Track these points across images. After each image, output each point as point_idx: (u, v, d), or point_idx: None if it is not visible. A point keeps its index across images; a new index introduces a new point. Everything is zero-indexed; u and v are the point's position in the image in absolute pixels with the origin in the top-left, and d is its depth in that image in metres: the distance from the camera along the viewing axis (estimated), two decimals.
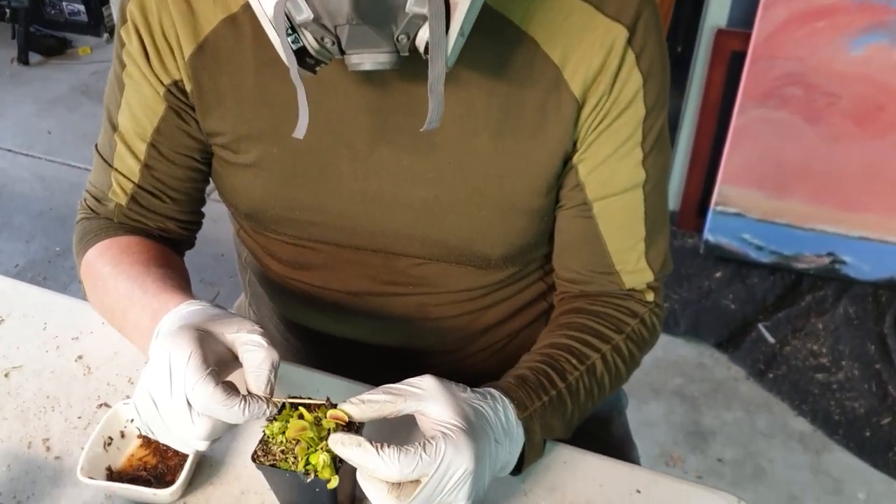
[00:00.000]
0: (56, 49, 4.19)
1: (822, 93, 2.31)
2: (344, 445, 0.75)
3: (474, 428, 0.78)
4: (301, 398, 0.85)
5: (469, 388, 0.84)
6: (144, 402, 0.80)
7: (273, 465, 0.81)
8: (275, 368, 0.81)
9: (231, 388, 0.78)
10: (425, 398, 0.79)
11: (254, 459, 0.82)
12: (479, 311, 1.13)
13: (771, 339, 2.43)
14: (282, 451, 0.82)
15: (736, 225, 2.53)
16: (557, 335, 1.00)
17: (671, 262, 1.09)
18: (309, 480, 0.80)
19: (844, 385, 2.30)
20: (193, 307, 0.87)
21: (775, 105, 2.35)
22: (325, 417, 0.79)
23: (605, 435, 1.22)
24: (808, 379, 2.32)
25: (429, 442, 0.75)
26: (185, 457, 0.91)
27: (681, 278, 2.56)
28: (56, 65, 4.10)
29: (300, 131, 0.83)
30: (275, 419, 0.82)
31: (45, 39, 4.18)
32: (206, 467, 0.95)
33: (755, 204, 2.49)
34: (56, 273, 2.75)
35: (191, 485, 0.93)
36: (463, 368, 1.19)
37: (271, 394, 0.80)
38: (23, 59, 4.06)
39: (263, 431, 0.83)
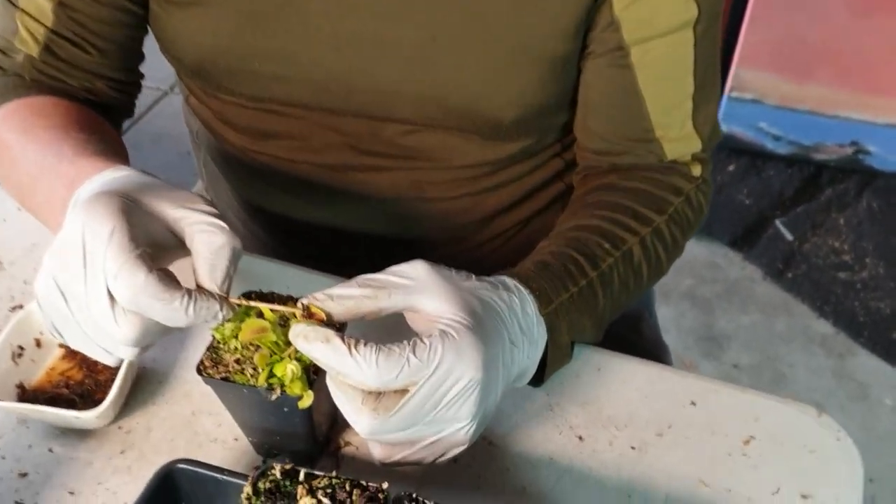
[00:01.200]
0: None
1: None
2: (307, 340, 0.57)
3: (483, 325, 0.60)
4: (265, 294, 0.66)
5: (475, 276, 0.66)
6: (49, 295, 0.59)
7: (225, 379, 0.62)
8: (236, 258, 0.61)
9: (169, 278, 0.58)
10: (416, 290, 0.61)
11: (200, 371, 0.63)
12: (485, 192, 0.94)
13: (789, 236, 2.28)
14: (236, 361, 0.63)
15: (752, 113, 2.33)
16: (584, 216, 0.81)
17: (720, 129, 0.89)
18: (274, 398, 0.61)
19: (869, 284, 2.16)
20: (122, 173, 0.66)
21: None
22: (295, 317, 0.59)
23: (636, 337, 1.04)
24: (830, 278, 2.19)
25: (421, 341, 0.57)
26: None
27: None
28: None
29: None
30: (228, 321, 0.62)
31: None
32: (147, 382, 0.77)
33: (774, 89, 2.29)
34: None
35: (127, 405, 0.75)
36: (464, 264, 1.00)
37: (228, 291, 0.60)
38: None
39: (212, 335, 0.63)
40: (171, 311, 0.57)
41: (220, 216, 0.62)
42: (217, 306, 0.58)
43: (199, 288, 0.59)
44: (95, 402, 0.71)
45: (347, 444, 0.71)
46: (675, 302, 2.13)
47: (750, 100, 2.32)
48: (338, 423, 0.72)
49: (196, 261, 0.61)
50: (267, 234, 1.03)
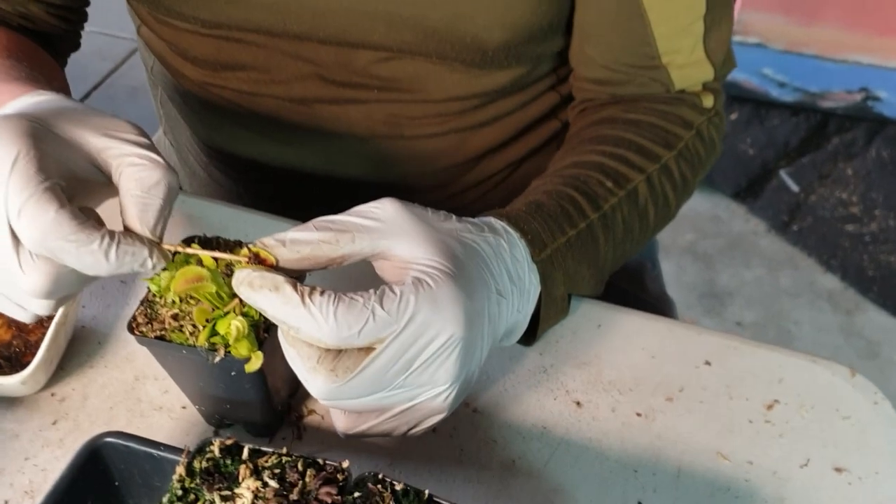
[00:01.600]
0: None
1: None
2: (252, 288, 0.48)
3: (465, 272, 0.51)
4: (208, 239, 0.56)
5: (455, 217, 0.56)
6: None
7: (161, 338, 0.53)
8: (171, 197, 0.51)
9: (87, 215, 0.49)
10: (385, 233, 0.51)
11: (131, 329, 0.54)
12: (471, 129, 0.84)
13: (794, 188, 2.20)
14: (174, 317, 0.54)
15: (756, 58, 2.23)
16: (583, 152, 0.72)
17: (734, 56, 0.80)
18: (217, 360, 0.51)
19: (878, 237, 2.09)
20: (41, 97, 0.56)
21: None
22: (242, 263, 0.50)
23: (638, 291, 0.94)
24: (837, 231, 2.11)
25: (390, 290, 0.48)
26: None
27: None
28: None
29: None
30: (164, 269, 0.53)
31: None
32: (85, 343, 0.68)
33: (779, 32, 2.19)
34: None
35: (61, 369, 0.66)
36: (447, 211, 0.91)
37: (161, 236, 0.51)
38: None
39: (148, 287, 0.54)
40: (87, 254, 0.47)
41: (153, 147, 0.53)
42: (145, 252, 0.49)
43: (127, 231, 0.50)
44: (24, 367, 0.62)
45: (311, 412, 0.62)
46: (675, 257, 2.04)
47: (754, 44, 2.22)
48: (300, 388, 0.63)
49: (124, 199, 0.51)
50: (230, 179, 0.93)
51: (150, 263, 0.49)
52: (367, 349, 0.48)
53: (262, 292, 0.47)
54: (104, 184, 0.53)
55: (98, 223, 0.49)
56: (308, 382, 0.49)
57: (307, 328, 0.47)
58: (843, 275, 2.03)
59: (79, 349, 0.67)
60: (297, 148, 0.84)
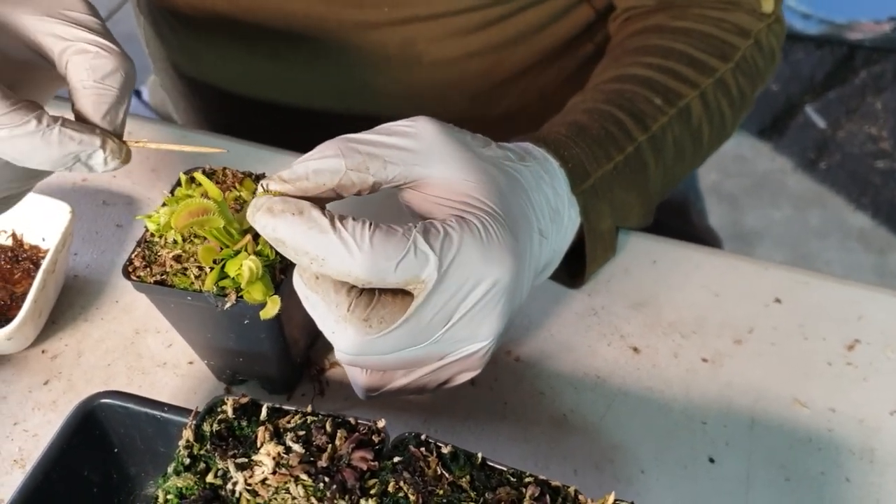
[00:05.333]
0: None
1: None
2: (272, 213, 0.40)
3: (510, 211, 0.44)
4: (213, 172, 0.50)
5: (494, 143, 0.48)
6: None
7: (161, 283, 0.45)
8: (128, 88, 0.44)
9: (21, 99, 0.41)
10: (423, 159, 0.43)
11: (127, 274, 0.46)
12: (496, 49, 0.76)
13: (821, 124, 2.12)
14: (175, 259, 0.46)
15: None
16: (626, 64, 0.65)
17: None
18: (228, 306, 0.44)
19: None
20: None
21: None
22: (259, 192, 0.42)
23: (683, 225, 0.87)
24: (867, 167, 2.02)
25: (433, 226, 0.41)
26: None
27: None
28: None
29: None
30: (164, 205, 0.46)
31: None
32: (79, 294, 0.61)
33: None
34: None
35: (52, 323, 0.59)
36: None
37: (121, 133, 0.43)
38: None
39: (145, 227, 0.47)
40: (22, 139, 0.40)
41: (106, 30, 0.44)
42: (96, 141, 0.41)
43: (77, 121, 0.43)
44: (10, 321, 0.55)
45: (333, 365, 0.55)
46: None
47: None
48: (320, 338, 0.56)
49: (74, 90, 0.43)
50: (221, 118, 0.85)
51: (101, 156, 0.42)
52: (401, 299, 0.41)
53: (283, 217, 0.39)
54: (46, 72, 0.46)
55: (32, 103, 0.41)
56: (336, 335, 0.41)
57: (336, 257, 0.39)
58: (874, 213, 1.95)
59: (72, 301, 0.60)
60: (298, 82, 0.76)
